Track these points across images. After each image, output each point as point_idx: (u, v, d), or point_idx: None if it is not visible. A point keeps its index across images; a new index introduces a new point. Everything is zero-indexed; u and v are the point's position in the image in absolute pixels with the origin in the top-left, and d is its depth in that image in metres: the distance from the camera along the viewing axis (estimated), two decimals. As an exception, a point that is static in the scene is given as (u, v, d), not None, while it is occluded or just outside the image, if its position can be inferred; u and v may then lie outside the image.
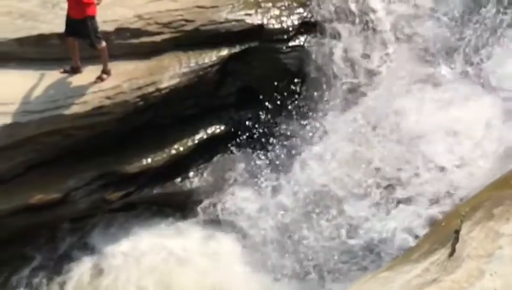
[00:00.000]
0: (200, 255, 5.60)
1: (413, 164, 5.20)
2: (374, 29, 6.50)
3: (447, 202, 4.94)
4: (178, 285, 5.34)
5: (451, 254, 3.66)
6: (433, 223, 4.57)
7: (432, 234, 4.25)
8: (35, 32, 5.85)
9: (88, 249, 5.68)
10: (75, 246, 5.71)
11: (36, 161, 5.58)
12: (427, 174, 5.09)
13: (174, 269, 5.46)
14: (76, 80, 5.71)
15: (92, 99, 5.56)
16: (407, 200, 5.03)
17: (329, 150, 5.71)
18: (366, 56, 6.36)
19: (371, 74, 6.25)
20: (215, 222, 5.90)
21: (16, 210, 5.39)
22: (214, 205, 5.97)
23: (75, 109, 5.48)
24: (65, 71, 5.76)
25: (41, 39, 5.84)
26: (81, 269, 5.52)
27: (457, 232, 3.79)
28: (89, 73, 5.75)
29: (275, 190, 5.83)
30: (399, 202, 5.04)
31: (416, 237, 4.71)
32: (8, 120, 5.32)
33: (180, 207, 6.04)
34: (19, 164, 5.47)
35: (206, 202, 5.99)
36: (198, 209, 5.99)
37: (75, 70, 5.77)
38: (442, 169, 5.15)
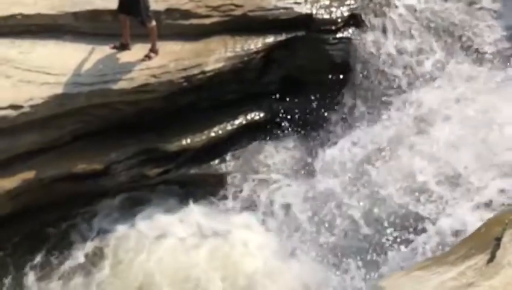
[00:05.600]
0: (228, 240, 5.62)
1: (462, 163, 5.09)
2: (426, 26, 6.35)
3: (487, 209, 4.82)
4: (204, 269, 5.36)
5: (490, 260, 3.60)
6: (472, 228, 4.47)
7: (469, 239, 4.16)
8: (90, 7, 6.03)
9: (116, 225, 5.77)
10: (100, 222, 5.82)
11: (82, 132, 5.76)
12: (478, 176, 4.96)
13: (201, 253, 5.50)
14: (125, 57, 5.85)
15: (139, 76, 5.68)
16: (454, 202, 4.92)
17: (369, 141, 5.63)
18: (414, 53, 6.23)
19: (418, 70, 6.12)
20: (247, 208, 5.92)
21: (61, 176, 5.59)
22: (248, 191, 5.99)
23: (122, 85, 5.63)
24: (115, 47, 5.92)
25: (95, 14, 6.02)
26: (103, 246, 5.61)
27: (498, 239, 3.71)
28: (137, 50, 5.88)
29: (311, 180, 5.80)
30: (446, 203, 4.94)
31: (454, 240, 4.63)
32: (59, 90, 5.50)
33: (214, 189, 6.11)
34: (67, 132, 5.67)
35: (239, 187, 6.02)
36: (232, 193, 6.02)
37: (124, 47, 5.92)
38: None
